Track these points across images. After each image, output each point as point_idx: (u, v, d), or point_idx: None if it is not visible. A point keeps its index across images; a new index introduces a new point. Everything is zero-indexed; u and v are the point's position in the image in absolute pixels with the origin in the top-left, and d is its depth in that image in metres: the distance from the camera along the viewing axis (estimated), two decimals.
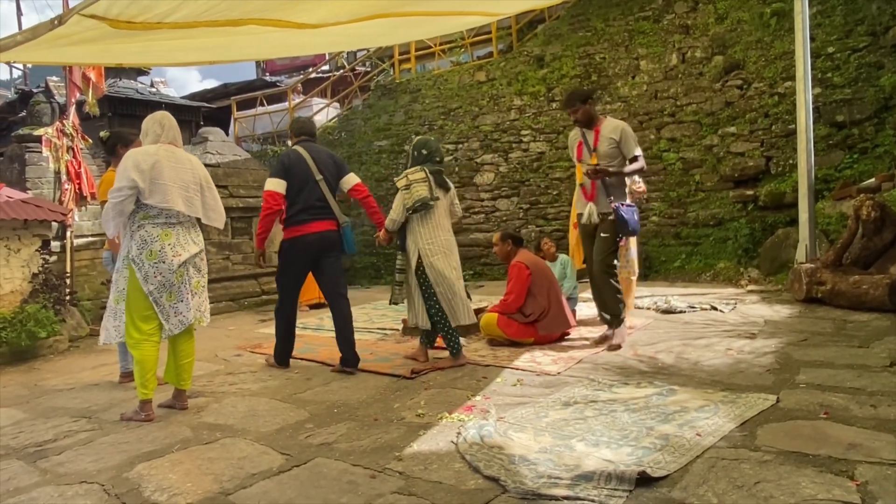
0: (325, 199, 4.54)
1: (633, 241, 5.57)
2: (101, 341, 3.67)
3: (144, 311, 3.55)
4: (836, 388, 3.36)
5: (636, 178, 5.47)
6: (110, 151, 4.52)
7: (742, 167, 8.11)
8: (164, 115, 3.77)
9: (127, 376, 4.57)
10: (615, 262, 4.73)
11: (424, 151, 4.62)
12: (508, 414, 3.28)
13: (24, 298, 6.18)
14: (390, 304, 4.68)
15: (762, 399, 3.24)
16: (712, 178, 8.43)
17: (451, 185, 4.73)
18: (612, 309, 4.71)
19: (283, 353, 4.77)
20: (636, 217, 4.63)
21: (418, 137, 4.96)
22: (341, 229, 4.61)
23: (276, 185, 4.45)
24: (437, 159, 4.65)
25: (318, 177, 4.50)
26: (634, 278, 5.78)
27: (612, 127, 4.62)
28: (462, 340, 4.77)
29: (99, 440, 3.29)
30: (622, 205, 4.55)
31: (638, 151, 4.63)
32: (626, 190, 4.76)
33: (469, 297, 5.89)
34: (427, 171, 4.50)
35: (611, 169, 4.57)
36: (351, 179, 4.70)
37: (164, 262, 3.54)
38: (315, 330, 6.37)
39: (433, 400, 3.64)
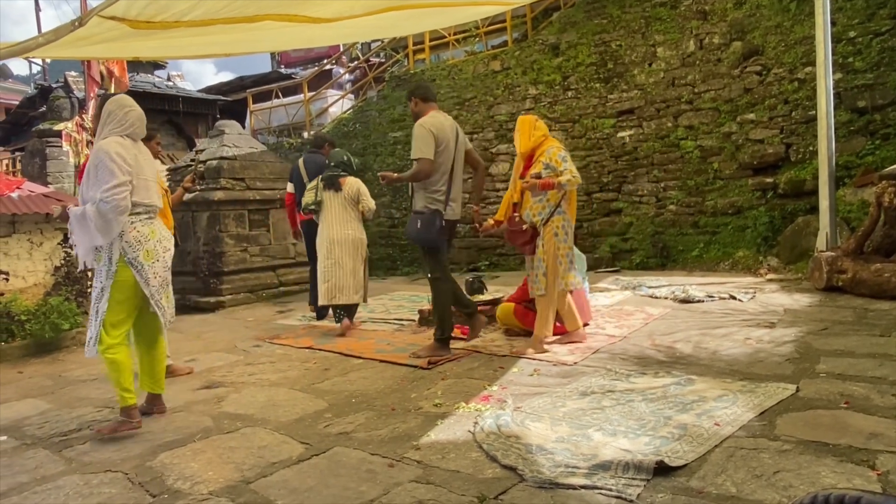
0: None
1: (541, 250, 4.42)
2: (88, 355, 3.38)
3: (120, 316, 3.33)
4: (857, 377, 3.33)
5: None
6: None
7: (761, 154, 8.01)
8: (132, 104, 3.45)
9: None
10: (435, 268, 4.46)
11: (329, 162, 5.88)
12: (525, 404, 3.29)
13: (47, 291, 6.29)
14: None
15: (782, 388, 3.22)
16: (731, 166, 8.34)
17: (351, 184, 5.69)
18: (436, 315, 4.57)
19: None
20: (418, 225, 4.34)
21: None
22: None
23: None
24: (333, 164, 5.80)
25: None
26: (564, 290, 4.52)
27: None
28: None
29: (122, 429, 3.35)
30: (414, 212, 4.45)
31: (415, 156, 4.32)
32: (426, 194, 4.38)
33: (485, 287, 5.96)
34: (319, 179, 5.79)
35: (394, 175, 4.53)
36: None
37: (158, 261, 3.41)
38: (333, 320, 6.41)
39: (450, 390, 3.66)
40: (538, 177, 4.32)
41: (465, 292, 4.62)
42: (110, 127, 3.35)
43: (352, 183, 5.75)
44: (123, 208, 3.22)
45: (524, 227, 4.37)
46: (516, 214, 4.47)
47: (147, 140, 4.47)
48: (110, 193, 3.16)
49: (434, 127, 4.39)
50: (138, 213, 3.37)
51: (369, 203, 5.81)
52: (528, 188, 4.34)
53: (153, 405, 3.62)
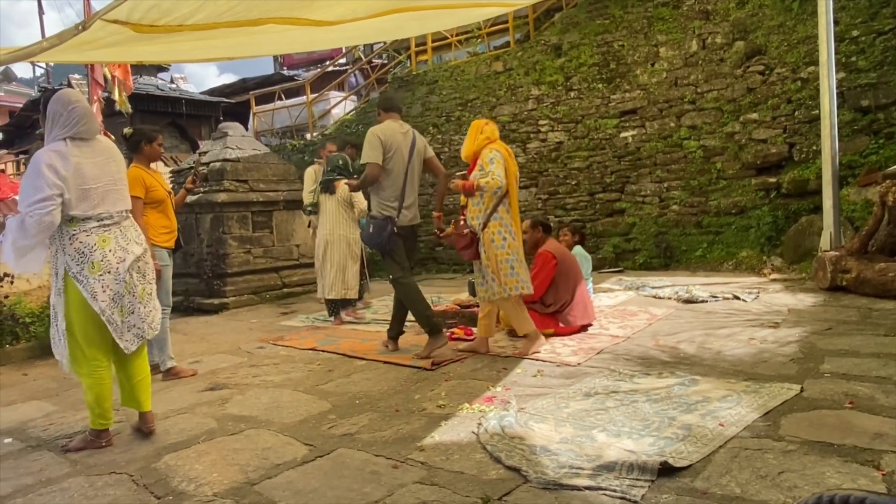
0: None
1: (484, 256, 4.39)
2: (67, 371, 3.19)
3: (90, 334, 3.08)
4: (862, 377, 3.32)
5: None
6: (133, 148, 4.55)
7: (764, 154, 8.00)
8: (76, 99, 3.13)
9: (153, 369, 4.66)
10: (394, 270, 4.58)
11: (327, 167, 6.25)
12: (529, 405, 3.28)
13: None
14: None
15: (786, 389, 3.21)
16: (734, 166, 8.33)
17: (345, 187, 5.87)
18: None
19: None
20: (371, 230, 4.51)
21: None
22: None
23: None
24: (329, 168, 6.17)
25: None
26: (486, 297, 4.48)
27: None
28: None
29: (127, 431, 3.36)
30: (369, 216, 4.66)
31: (363, 161, 4.55)
32: (379, 200, 4.55)
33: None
34: (317, 183, 6.32)
35: (354, 182, 4.99)
36: None
37: (109, 273, 3.05)
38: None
39: (454, 391, 3.66)
40: (464, 178, 4.42)
41: (427, 305, 4.64)
42: (56, 131, 3.05)
43: (345, 186, 5.90)
44: (47, 224, 2.90)
45: (465, 231, 4.40)
46: (462, 218, 4.51)
47: (149, 142, 4.50)
48: (32, 208, 2.88)
49: (382, 133, 4.55)
50: (80, 222, 3.03)
51: (361, 205, 6.15)
52: (453, 189, 4.49)
53: (144, 423, 3.31)
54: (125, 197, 3.25)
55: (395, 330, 4.89)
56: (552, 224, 9.12)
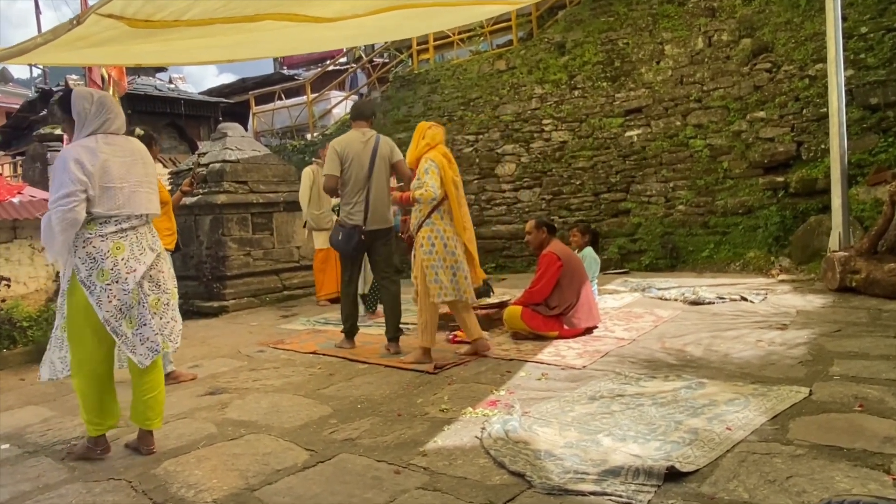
0: None
1: (413, 261, 4.62)
2: (44, 377, 3.09)
3: (87, 340, 3.02)
4: (872, 379, 3.32)
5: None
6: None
7: (772, 153, 7.99)
8: (106, 95, 3.15)
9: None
10: (345, 275, 5.13)
11: None
12: (533, 408, 3.28)
13: (49, 297, 6.32)
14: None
15: (794, 392, 3.20)
16: (741, 165, 8.31)
17: None
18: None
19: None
20: (339, 237, 4.93)
21: None
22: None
23: None
24: None
25: None
26: (434, 300, 4.48)
27: None
28: (485, 334, 4.90)
29: (125, 437, 3.36)
30: (338, 222, 5.09)
31: (323, 173, 5.15)
32: (345, 208, 4.94)
33: (491, 290, 6.11)
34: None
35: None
36: None
37: (117, 283, 2.96)
38: (337, 325, 6.41)
39: (456, 395, 3.66)
40: (400, 189, 4.75)
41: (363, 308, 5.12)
42: (87, 127, 3.03)
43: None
44: (70, 221, 2.86)
45: (405, 236, 4.65)
46: (406, 222, 4.78)
47: (156, 143, 4.51)
48: (56, 204, 2.87)
49: (339, 144, 4.95)
50: (98, 225, 2.97)
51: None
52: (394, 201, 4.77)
53: (142, 443, 3.15)
54: (152, 201, 3.17)
55: (392, 332, 4.96)
56: (557, 225, 9.14)
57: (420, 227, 4.45)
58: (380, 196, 4.91)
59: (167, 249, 4.61)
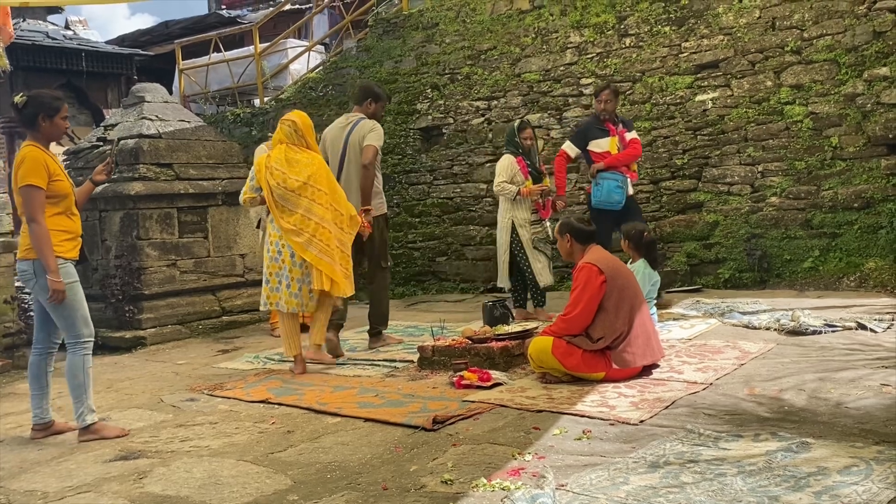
0: None
1: None
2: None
3: None
4: None
5: None
6: (28, 123, 4.52)
7: None
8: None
9: (42, 429, 4.67)
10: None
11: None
12: (572, 480, 3.28)
13: None
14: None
15: None
16: (856, 142, 8.32)
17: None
18: None
19: None
20: None
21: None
22: None
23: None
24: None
25: None
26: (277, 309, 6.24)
27: None
28: (502, 376, 5.08)
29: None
30: None
31: None
32: None
33: (511, 315, 6.21)
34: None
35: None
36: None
37: None
38: None
39: (464, 460, 3.66)
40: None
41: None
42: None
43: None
44: None
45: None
46: None
47: (50, 115, 4.50)
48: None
49: (325, 131, 6.80)
50: None
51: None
52: None
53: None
54: None
55: (373, 325, 6.68)
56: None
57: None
58: (350, 182, 6.31)
59: (71, 258, 4.62)
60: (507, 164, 7.43)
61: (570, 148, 7.91)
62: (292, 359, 5.99)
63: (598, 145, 7.65)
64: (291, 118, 6.01)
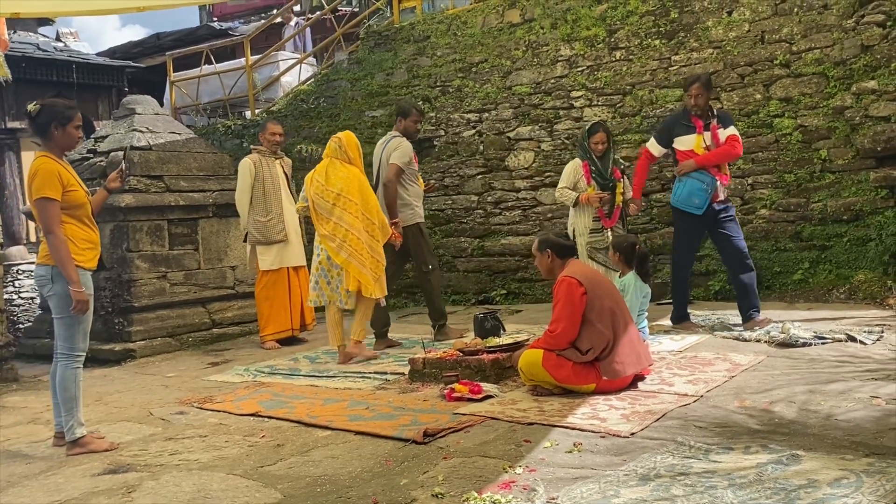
0: None
1: None
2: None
3: None
4: None
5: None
6: (41, 132, 4.48)
7: (888, 137, 8.04)
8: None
9: (58, 437, 4.69)
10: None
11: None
12: (563, 493, 3.27)
13: None
14: None
15: None
16: (845, 154, 8.37)
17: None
18: None
19: None
20: None
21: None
22: None
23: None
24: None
25: None
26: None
27: None
28: (493, 389, 5.08)
29: None
30: None
31: None
32: None
33: (502, 327, 6.17)
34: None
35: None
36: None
37: None
38: (287, 375, 6.40)
39: (455, 473, 3.65)
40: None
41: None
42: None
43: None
44: None
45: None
46: None
47: (62, 124, 4.47)
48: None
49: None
50: None
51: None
52: None
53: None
54: None
55: (432, 321, 7.42)
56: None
57: None
58: (384, 198, 7.06)
59: (87, 268, 4.61)
60: (571, 170, 7.36)
61: (653, 146, 7.15)
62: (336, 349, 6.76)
63: (681, 143, 6.89)
64: (339, 136, 6.83)
